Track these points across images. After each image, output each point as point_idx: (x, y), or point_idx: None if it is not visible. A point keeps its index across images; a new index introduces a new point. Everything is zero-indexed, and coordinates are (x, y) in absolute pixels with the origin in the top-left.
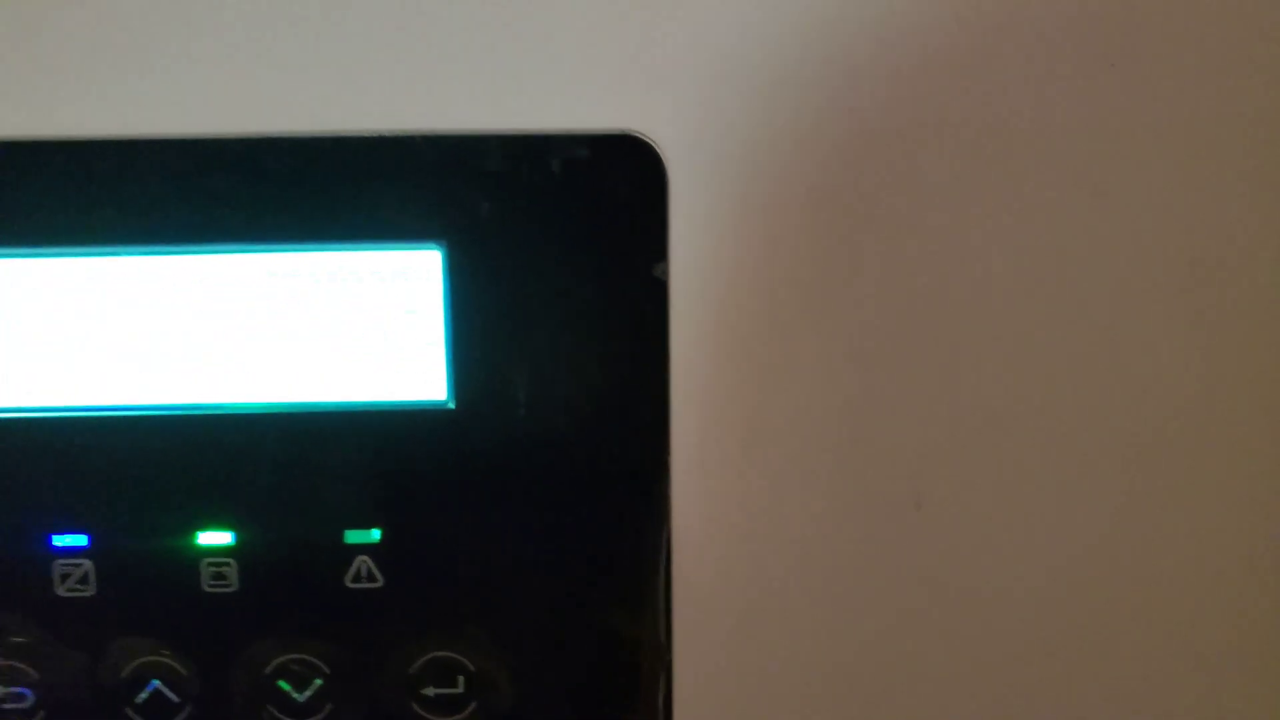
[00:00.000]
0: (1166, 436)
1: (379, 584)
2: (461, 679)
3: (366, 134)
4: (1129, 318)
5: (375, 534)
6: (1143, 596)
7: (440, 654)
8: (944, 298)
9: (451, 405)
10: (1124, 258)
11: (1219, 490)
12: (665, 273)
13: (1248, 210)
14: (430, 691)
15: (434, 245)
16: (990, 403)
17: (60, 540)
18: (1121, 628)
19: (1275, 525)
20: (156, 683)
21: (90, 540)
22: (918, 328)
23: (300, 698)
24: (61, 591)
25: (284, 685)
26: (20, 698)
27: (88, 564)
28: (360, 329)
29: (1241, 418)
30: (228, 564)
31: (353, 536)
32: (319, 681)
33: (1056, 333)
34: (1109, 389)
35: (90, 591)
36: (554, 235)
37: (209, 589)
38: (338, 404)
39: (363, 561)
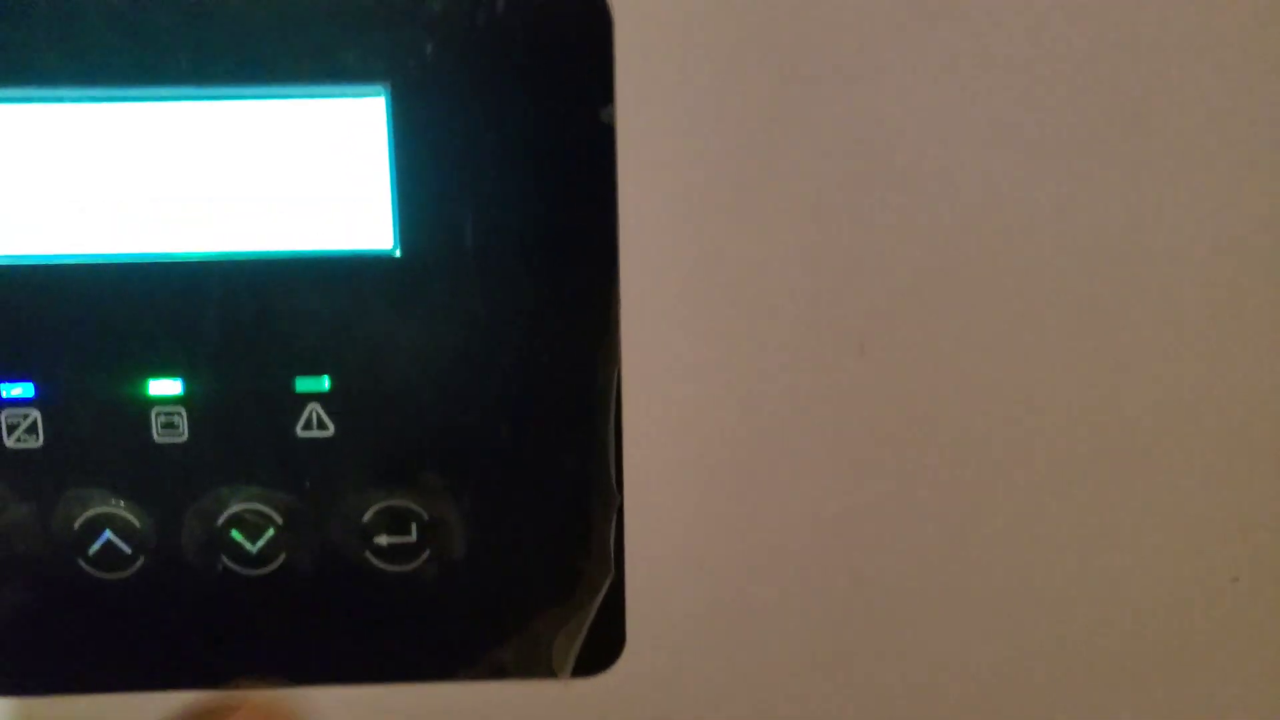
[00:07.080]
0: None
1: (330, 432)
2: (414, 527)
3: None
4: (1081, 163)
5: (325, 382)
6: (1101, 431)
7: (393, 502)
8: (895, 152)
9: (398, 253)
10: (1077, 95)
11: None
12: (611, 116)
13: None
14: (383, 540)
15: (378, 89)
16: (939, 257)
17: (6, 390)
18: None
19: None
20: (109, 534)
21: (37, 390)
22: (867, 175)
23: (253, 548)
24: (9, 443)
25: (237, 535)
26: None
27: (35, 414)
28: (307, 177)
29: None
30: (178, 413)
31: (303, 385)
32: (271, 531)
33: (1013, 189)
34: (1063, 241)
35: (38, 442)
36: (499, 78)
37: (160, 439)
38: (286, 253)
39: (313, 409)
